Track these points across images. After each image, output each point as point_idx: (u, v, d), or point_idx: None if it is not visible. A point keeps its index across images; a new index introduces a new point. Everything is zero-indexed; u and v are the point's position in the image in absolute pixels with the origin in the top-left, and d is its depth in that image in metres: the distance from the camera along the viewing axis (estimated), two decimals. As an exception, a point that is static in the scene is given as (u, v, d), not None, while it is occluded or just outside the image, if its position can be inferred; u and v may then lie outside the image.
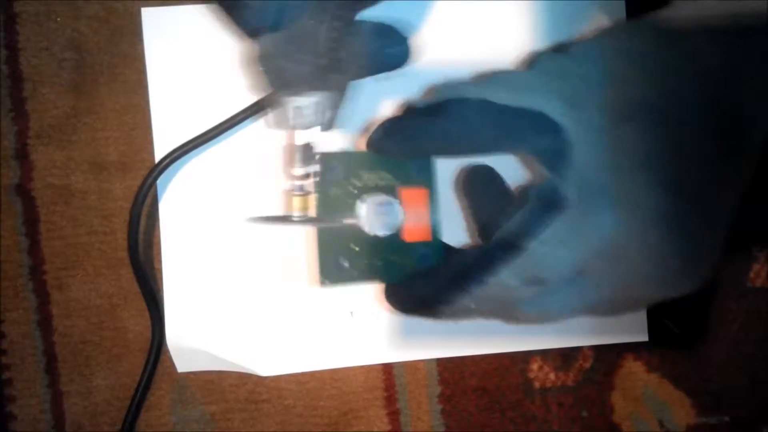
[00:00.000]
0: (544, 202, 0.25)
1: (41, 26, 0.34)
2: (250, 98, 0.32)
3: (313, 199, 0.27)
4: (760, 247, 0.37)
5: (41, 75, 0.34)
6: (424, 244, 0.29)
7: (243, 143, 0.33)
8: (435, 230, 0.29)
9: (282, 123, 0.25)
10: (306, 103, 0.25)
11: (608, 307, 0.27)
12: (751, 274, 0.37)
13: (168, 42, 0.33)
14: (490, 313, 0.27)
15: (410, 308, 0.27)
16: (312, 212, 0.27)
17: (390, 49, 0.25)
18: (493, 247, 0.25)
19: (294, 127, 0.25)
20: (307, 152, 0.26)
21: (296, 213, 0.26)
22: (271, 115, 0.25)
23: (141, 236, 0.34)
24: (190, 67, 0.33)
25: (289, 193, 0.27)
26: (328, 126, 0.26)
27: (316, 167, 0.26)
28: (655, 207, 0.23)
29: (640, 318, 0.36)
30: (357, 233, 0.28)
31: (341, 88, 0.26)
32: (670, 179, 0.23)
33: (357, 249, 0.28)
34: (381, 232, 0.28)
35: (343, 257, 0.28)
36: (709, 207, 0.24)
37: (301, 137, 0.26)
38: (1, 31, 0.33)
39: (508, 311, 0.26)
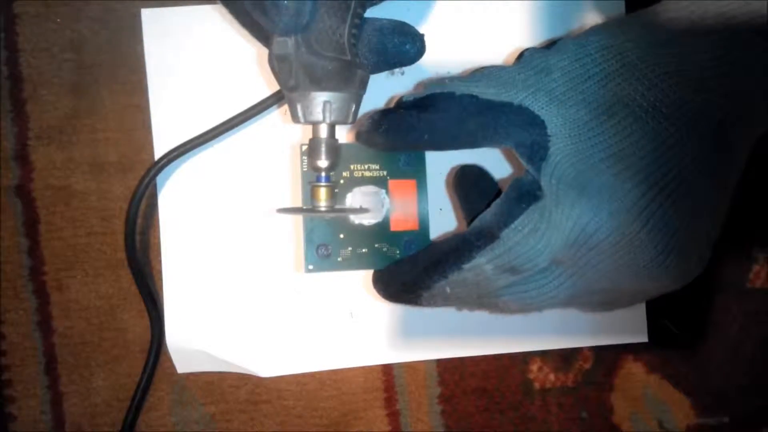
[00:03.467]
0: (518, 193, 0.26)
1: (41, 27, 0.34)
2: (249, 98, 0.32)
3: (332, 190, 0.28)
4: (760, 248, 0.37)
5: (41, 76, 0.34)
6: (411, 232, 0.30)
7: (242, 144, 0.33)
8: (422, 220, 0.30)
9: (309, 118, 0.26)
10: (335, 98, 0.26)
11: (589, 300, 0.28)
12: (751, 275, 0.37)
13: (168, 42, 0.33)
14: (470, 301, 0.27)
15: (393, 293, 0.28)
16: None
17: (408, 45, 0.26)
18: (469, 235, 0.26)
19: (322, 122, 0.26)
20: (329, 144, 0.27)
21: (322, 202, 0.27)
22: (298, 110, 0.26)
23: (140, 237, 0.34)
24: (190, 67, 0.33)
25: (314, 185, 0.28)
26: (352, 119, 0.27)
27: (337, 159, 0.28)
28: (630, 200, 0.24)
29: (640, 318, 0.36)
30: (344, 222, 0.30)
31: (363, 84, 0.27)
32: (647, 174, 0.24)
33: (342, 237, 0.29)
34: (367, 221, 0.30)
35: (329, 245, 0.29)
36: (692, 203, 0.24)
37: (324, 131, 0.27)
38: (1, 31, 0.33)
39: (489, 300, 0.27)
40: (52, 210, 0.34)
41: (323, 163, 0.27)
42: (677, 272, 0.25)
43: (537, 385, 0.37)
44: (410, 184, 0.30)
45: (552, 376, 0.37)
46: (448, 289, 0.27)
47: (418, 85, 0.33)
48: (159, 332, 0.33)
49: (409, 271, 0.28)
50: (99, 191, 0.34)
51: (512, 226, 0.25)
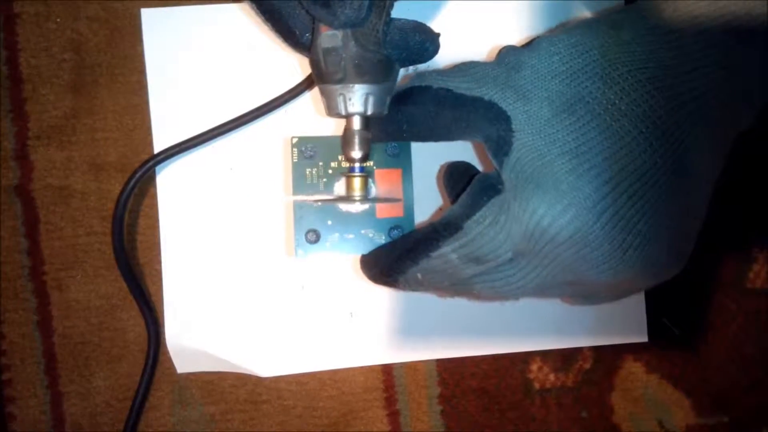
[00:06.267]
0: (482, 186, 0.27)
1: (41, 27, 0.34)
2: (249, 98, 0.33)
3: (366, 180, 0.29)
4: (760, 248, 0.37)
5: (41, 75, 0.34)
6: (396, 219, 0.31)
7: (241, 143, 0.33)
8: (407, 207, 0.32)
9: (350, 109, 0.27)
10: (375, 90, 0.27)
11: (562, 291, 0.28)
12: (751, 275, 0.37)
13: (168, 42, 0.33)
14: (444, 288, 0.29)
15: (374, 276, 0.30)
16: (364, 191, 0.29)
17: (428, 43, 0.27)
18: (438, 225, 0.27)
19: (363, 113, 0.27)
20: (363, 136, 0.28)
21: (357, 192, 0.29)
22: (339, 102, 0.27)
23: (138, 237, 0.34)
24: (190, 67, 0.33)
25: (348, 175, 0.29)
26: (386, 110, 0.28)
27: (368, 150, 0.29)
28: (582, 195, 0.24)
29: (640, 318, 0.36)
30: (332, 209, 0.31)
31: (396, 77, 0.28)
32: (601, 170, 0.24)
33: (330, 223, 0.31)
34: (354, 208, 0.31)
35: (318, 231, 0.31)
36: (655, 200, 0.24)
37: (358, 122, 0.28)
38: (1, 31, 0.33)
39: (463, 287, 0.28)
40: (52, 210, 0.34)
41: (357, 153, 0.28)
42: (640, 269, 0.25)
43: (537, 385, 0.37)
44: (396, 173, 0.32)
45: (552, 376, 0.37)
46: (419, 276, 0.28)
47: (404, 78, 0.33)
48: (156, 332, 0.33)
49: (387, 257, 0.29)
50: (99, 191, 0.34)
51: (474, 217, 0.26)
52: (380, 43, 0.26)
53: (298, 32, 0.27)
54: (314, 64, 0.27)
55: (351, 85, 0.26)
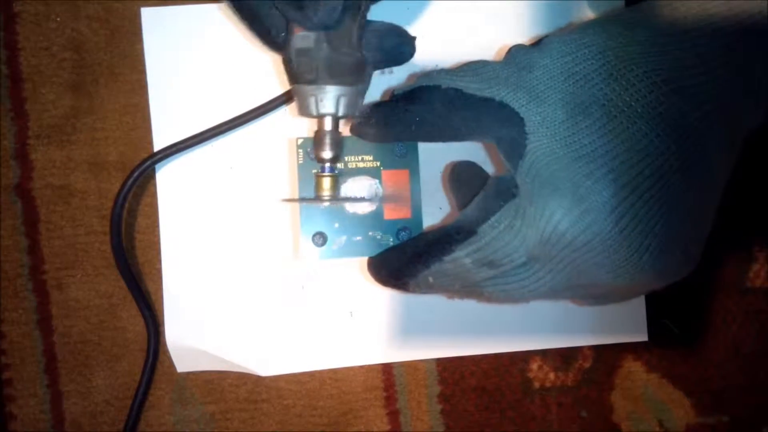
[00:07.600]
0: (496, 190, 0.27)
1: (41, 26, 0.34)
2: (249, 97, 0.33)
3: (336, 180, 0.29)
4: (760, 247, 0.37)
5: (41, 75, 0.34)
6: (404, 221, 0.31)
7: (239, 140, 0.33)
8: (415, 208, 0.31)
9: (321, 110, 0.27)
10: (348, 92, 0.27)
11: (574, 294, 0.28)
12: (751, 274, 0.37)
13: (168, 42, 0.33)
14: (455, 290, 0.28)
15: (383, 279, 0.29)
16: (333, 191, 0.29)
17: (403, 46, 0.28)
18: (451, 228, 0.27)
19: (334, 114, 0.27)
20: (334, 137, 0.28)
21: (326, 192, 0.29)
22: (311, 103, 0.27)
23: (139, 236, 0.34)
24: (190, 67, 0.33)
25: (319, 175, 0.29)
26: (357, 111, 0.28)
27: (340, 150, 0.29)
28: (600, 200, 0.24)
29: (640, 318, 0.36)
30: (339, 211, 0.31)
31: (369, 79, 0.28)
32: (619, 174, 0.24)
33: (337, 226, 0.31)
34: (361, 210, 0.31)
35: (325, 234, 0.31)
36: (670, 203, 0.24)
37: (329, 123, 0.28)
38: (1, 31, 0.34)
39: (474, 290, 0.28)
40: (52, 209, 0.34)
41: (327, 154, 0.28)
42: (655, 272, 0.25)
43: (537, 384, 0.37)
44: (403, 173, 0.31)
45: (552, 375, 0.37)
46: (430, 279, 0.27)
47: (411, 77, 0.34)
48: (155, 331, 0.34)
49: (397, 260, 0.28)
50: (99, 190, 0.34)
51: (489, 222, 0.26)
52: (354, 46, 0.26)
53: (273, 31, 0.27)
54: (287, 63, 0.27)
55: (323, 87, 0.26)
